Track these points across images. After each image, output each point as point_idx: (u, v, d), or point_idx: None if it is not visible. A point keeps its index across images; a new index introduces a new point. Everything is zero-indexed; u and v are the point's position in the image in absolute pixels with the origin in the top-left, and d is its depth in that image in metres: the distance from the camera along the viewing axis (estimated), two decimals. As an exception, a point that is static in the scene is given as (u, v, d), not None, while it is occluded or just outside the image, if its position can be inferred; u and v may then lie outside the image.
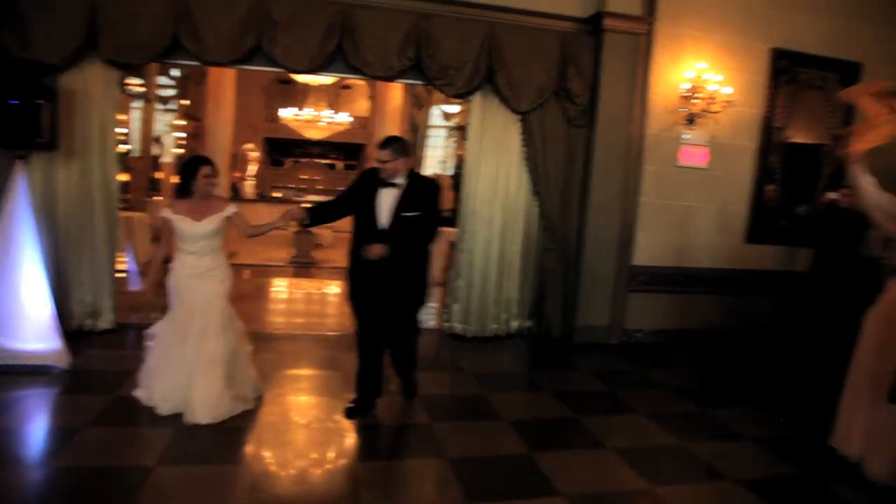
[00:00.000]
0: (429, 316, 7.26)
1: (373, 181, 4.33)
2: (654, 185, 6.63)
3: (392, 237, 4.20)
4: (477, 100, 6.45)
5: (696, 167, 6.72)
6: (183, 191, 4.31)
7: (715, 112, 6.51)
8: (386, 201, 4.27)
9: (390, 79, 6.41)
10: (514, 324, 6.72)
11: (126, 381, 4.76)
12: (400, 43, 6.07)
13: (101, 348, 5.59)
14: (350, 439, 4.06)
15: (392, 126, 8.48)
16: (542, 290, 6.67)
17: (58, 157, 5.66)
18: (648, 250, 6.67)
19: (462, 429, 4.40)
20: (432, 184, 4.59)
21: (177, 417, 4.15)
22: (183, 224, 4.22)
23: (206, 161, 4.38)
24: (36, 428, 4.15)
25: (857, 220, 5.08)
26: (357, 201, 4.37)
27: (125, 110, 11.83)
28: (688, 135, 6.65)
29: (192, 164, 4.33)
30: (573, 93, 6.43)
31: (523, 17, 6.31)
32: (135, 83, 12.44)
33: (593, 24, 6.46)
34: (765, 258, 6.98)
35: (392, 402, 4.72)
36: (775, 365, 5.90)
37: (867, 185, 3.90)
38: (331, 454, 3.87)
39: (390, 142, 4.31)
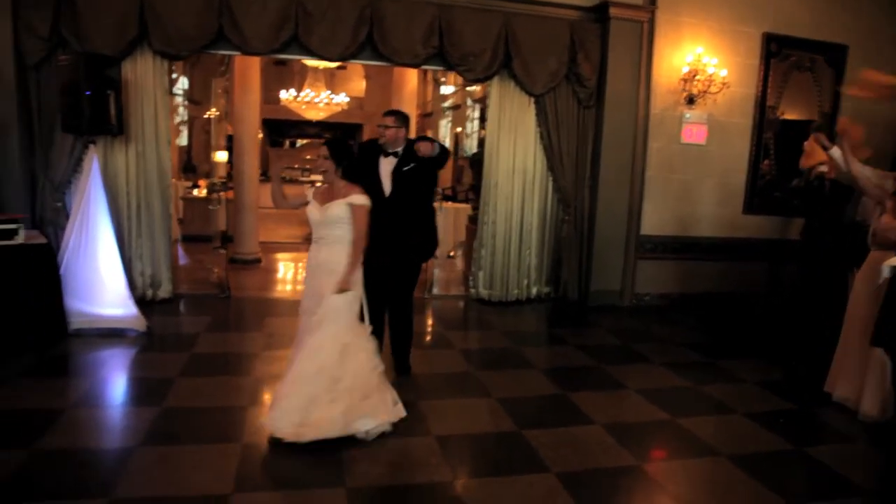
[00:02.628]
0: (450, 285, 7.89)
1: (372, 152, 4.55)
2: (659, 161, 7.25)
3: (398, 202, 4.44)
4: (495, 83, 7.01)
5: (697, 144, 7.33)
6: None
7: (713, 93, 7.10)
8: (385, 169, 4.50)
9: (416, 65, 6.96)
10: (534, 289, 7.35)
11: (196, 341, 5.38)
12: (424, 33, 6.59)
13: (164, 315, 6.15)
14: (409, 383, 4.65)
15: (410, 109, 8.98)
16: (558, 258, 7.30)
17: (117, 142, 6.17)
18: (655, 220, 7.31)
19: (501, 375, 5.02)
20: (423, 137, 4.83)
21: (252, 370, 4.73)
22: (310, 208, 3.97)
23: (324, 143, 4.03)
24: (137, 378, 4.76)
25: (844, 191, 5.79)
26: (362, 173, 4.33)
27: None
28: (688, 114, 7.25)
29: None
30: (583, 76, 7.00)
31: (536, 7, 6.86)
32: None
33: (600, 13, 7.01)
34: (761, 227, 7.65)
35: (434, 354, 5.34)
36: (774, 322, 6.58)
37: (852, 162, 4.61)
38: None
39: (394, 111, 4.65)
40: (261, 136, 17.22)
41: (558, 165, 7.11)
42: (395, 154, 4.52)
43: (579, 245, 7.28)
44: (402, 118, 4.61)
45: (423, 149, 4.37)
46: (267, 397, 4.29)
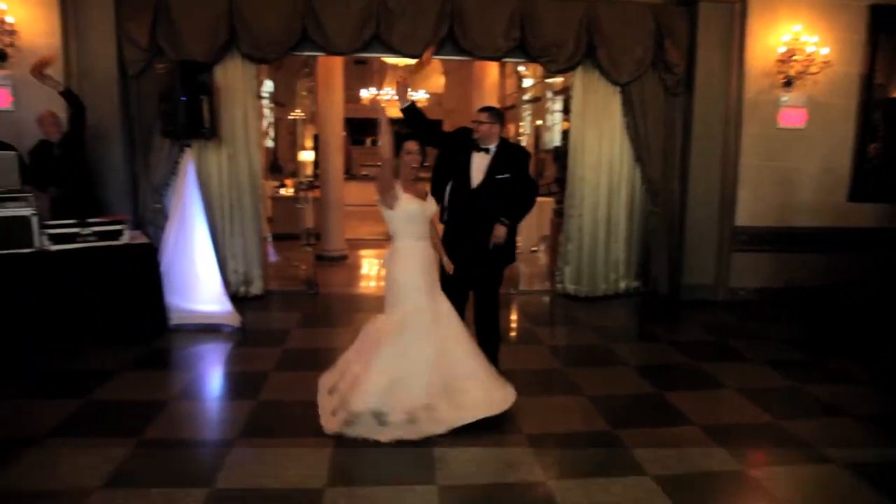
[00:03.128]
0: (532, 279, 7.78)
1: (466, 143, 4.42)
2: (755, 147, 6.86)
3: (482, 198, 4.32)
4: (578, 74, 6.84)
5: (795, 128, 6.91)
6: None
7: (813, 73, 6.66)
8: (478, 165, 4.37)
9: (497, 59, 6.88)
10: (623, 283, 7.14)
11: (288, 337, 5.52)
12: (505, 25, 6.50)
13: (257, 311, 6.35)
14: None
15: (491, 101, 8.91)
16: (647, 251, 7.06)
17: (210, 145, 6.40)
18: (750, 210, 6.93)
19: (592, 372, 4.90)
20: (522, 150, 4.81)
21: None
22: (412, 205, 3.84)
23: (410, 136, 4.00)
24: (233, 371, 4.94)
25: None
26: (451, 160, 4.46)
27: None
28: (786, 97, 6.83)
29: (397, 140, 3.94)
30: (670, 63, 6.72)
31: (619, -6, 6.65)
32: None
33: (688, -4, 6.73)
34: (868, 216, 7.11)
35: (522, 350, 5.26)
36: (882, 319, 6.12)
37: None
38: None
39: (489, 108, 4.54)
40: (343, 134, 17.69)
41: (646, 155, 6.87)
42: (486, 150, 4.38)
43: (669, 237, 7.01)
44: (497, 114, 4.47)
45: (498, 235, 4.28)
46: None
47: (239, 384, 4.65)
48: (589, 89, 6.84)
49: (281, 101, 14.73)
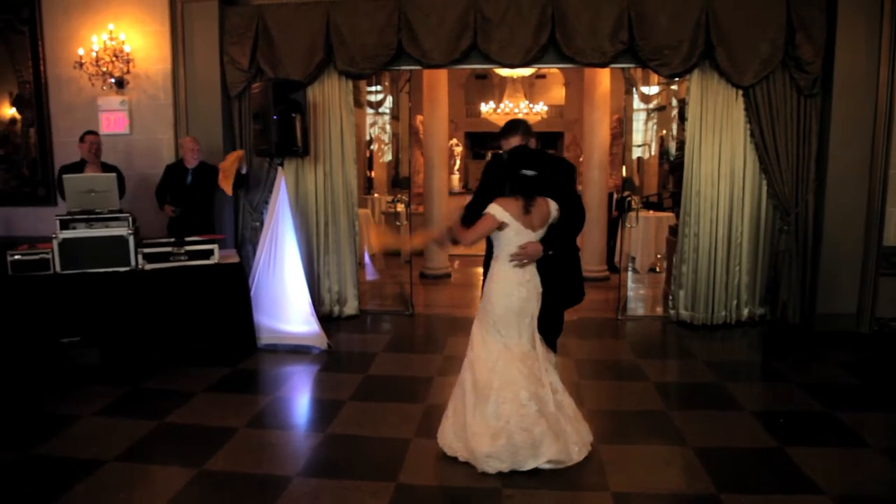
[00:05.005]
0: (642, 304, 7.13)
1: (500, 170, 3.73)
2: (910, 154, 5.86)
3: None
4: (695, 77, 6.18)
5: (965, 131, 5.82)
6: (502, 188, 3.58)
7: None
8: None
9: (603, 65, 6.36)
10: (745, 310, 6.34)
11: (373, 362, 5.31)
12: (612, 27, 6.00)
13: (348, 332, 6.25)
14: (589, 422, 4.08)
15: (603, 114, 8.35)
16: (775, 275, 6.21)
17: (306, 162, 6.40)
18: (904, 229, 5.93)
19: (700, 417, 4.27)
20: (563, 162, 4.09)
21: (426, 396, 4.50)
22: (514, 231, 3.51)
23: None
24: (309, 399, 4.81)
25: None
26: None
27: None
28: (952, 94, 5.78)
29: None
30: (803, 60, 5.90)
31: (744, -15, 5.92)
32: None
33: (827, -17, 5.87)
34: None
35: (623, 387, 4.71)
36: None
37: None
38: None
39: (515, 127, 3.79)
40: (459, 148, 17.65)
41: (773, 167, 6.06)
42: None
43: (802, 259, 6.13)
44: (527, 130, 3.81)
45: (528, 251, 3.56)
46: (432, 428, 4.03)
47: (312, 413, 4.51)
48: (707, 94, 6.16)
49: (400, 117, 14.88)
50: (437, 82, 8.44)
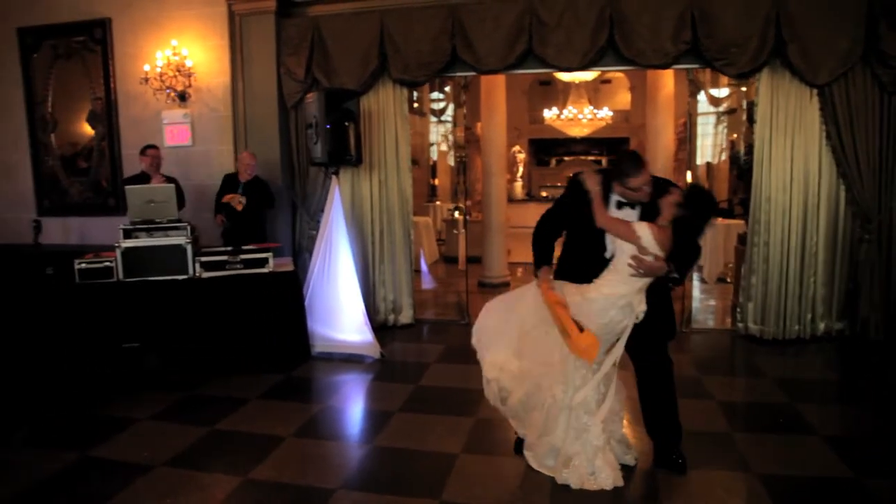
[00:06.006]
0: (712, 315, 6.79)
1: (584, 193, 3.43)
2: None
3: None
4: (764, 77, 5.83)
5: None
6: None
7: None
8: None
9: (665, 66, 6.10)
10: (821, 325, 5.93)
11: (425, 372, 5.24)
12: (674, 26, 5.74)
13: (403, 341, 6.21)
14: (646, 444, 3.86)
15: (667, 118, 8.05)
16: (855, 286, 5.78)
17: (361, 171, 6.41)
18: None
19: (768, 441, 3.97)
20: (669, 185, 3.43)
21: (477, 408, 4.38)
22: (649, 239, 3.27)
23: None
24: (358, 409, 4.78)
25: None
26: (574, 221, 3.52)
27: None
28: None
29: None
30: (887, 54, 5.46)
31: (818, -25, 5.55)
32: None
33: (915, -33, 5.43)
34: None
35: (685, 405, 4.44)
36: None
37: None
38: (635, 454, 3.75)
39: (641, 161, 3.32)
40: (523, 156, 17.46)
41: (853, 171, 5.65)
42: (631, 206, 3.40)
43: (886, 270, 5.68)
44: (646, 164, 3.35)
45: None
46: (481, 442, 3.92)
47: (361, 424, 4.47)
48: (778, 94, 5.80)
49: (468, 124, 14.80)
50: (495, 88, 8.33)
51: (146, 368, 5.15)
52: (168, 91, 6.41)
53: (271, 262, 5.41)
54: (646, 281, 3.29)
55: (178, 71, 6.35)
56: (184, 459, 3.77)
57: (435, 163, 15.27)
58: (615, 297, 3.30)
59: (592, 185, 3.37)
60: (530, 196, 16.65)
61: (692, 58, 5.91)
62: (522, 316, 3.54)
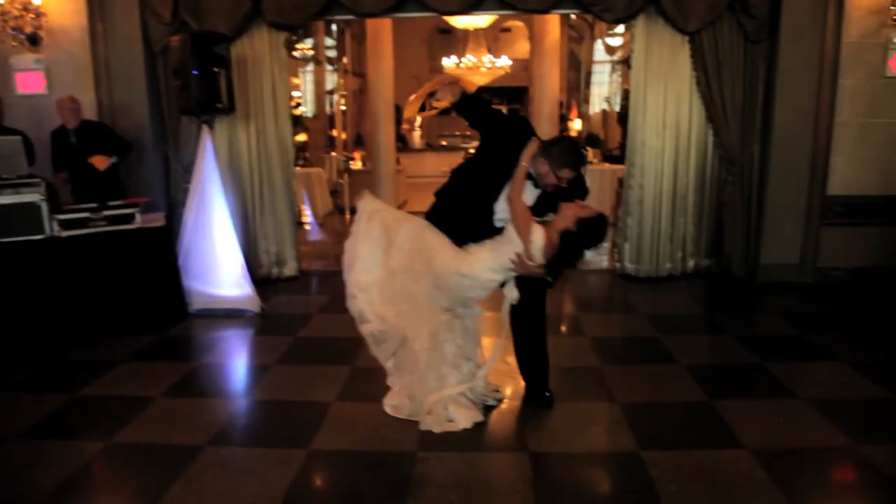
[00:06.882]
0: (599, 256, 7.04)
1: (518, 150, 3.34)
2: (854, 102, 5.72)
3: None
4: (640, 24, 5.96)
5: (910, 75, 5.71)
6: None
7: (937, 6, 5.45)
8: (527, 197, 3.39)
9: (544, 11, 6.12)
10: (691, 262, 6.28)
11: (307, 324, 5.18)
12: (553, -29, 5.74)
13: (287, 293, 6.09)
14: (521, 381, 3.92)
15: (552, 64, 8.11)
16: (720, 226, 6.14)
17: (237, 120, 6.11)
18: (847, 177, 5.82)
19: (635, 373, 4.20)
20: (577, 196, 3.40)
21: (355, 357, 4.37)
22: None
23: None
24: (234, 364, 4.67)
25: None
26: (498, 162, 3.40)
27: (295, 73, 12.62)
28: (899, 38, 5.65)
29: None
30: (750, 4, 5.69)
31: (690, -78, 5.67)
32: (305, 47, 13.19)
33: (773, -83, 5.64)
34: None
35: (559, 342, 4.60)
36: None
37: None
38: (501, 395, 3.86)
39: (582, 162, 3.36)
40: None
41: (720, 116, 5.92)
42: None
43: (747, 210, 6.05)
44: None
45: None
46: (356, 390, 3.93)
47: (235, 379, 4.37)
48: (652, 41, 5.95)
49: (360, 72, 14.41)
50: (382, 34, 8.12)
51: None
52: (14, 33, 5.82)
53: (138, 217, 5.10)
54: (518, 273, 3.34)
55: (25, 9, 5.76)
56: (42, 429, 3.54)
57: (333, 113, 14.86)
58: (485, 280, 3.35)
59: (526, 157, 3.29)
60: (429, 146, 16.59)
61: (572, 3, 5.93)
62: (392, 254, 3.49)
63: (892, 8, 5.55)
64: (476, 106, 3.41)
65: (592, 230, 3.24)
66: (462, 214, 3.48)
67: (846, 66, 5.69)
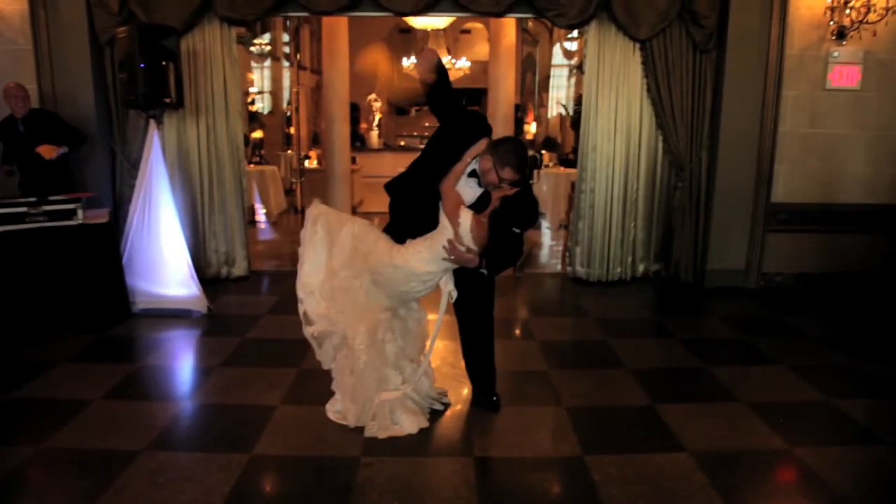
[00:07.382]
0: (553, 260, 7.11)
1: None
2: (797, 112, 5.92)
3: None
4: (592, 30, 6.03)
5: (848, 89, 5.91)
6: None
7: (872, 23, 5.65)
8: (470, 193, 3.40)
9: (499, 14, 6.13)
10: (640, 267, 6.38)
11: (254, 325, 5.08)
12: (507, -25, 5.77)
13: (235, 293, 5.98)
14: (468, 385, 3.91)
15: (508, 67, 8.16)
16: (669, 231, 6.27)
17: (187, 116, 5.97)
18: (790, 185, 6.01)
19: (581, 376, 4.24)
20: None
21: (302, 359, 4.31)
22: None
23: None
24: (177, 366, 4.54)
25: None
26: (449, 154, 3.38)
27: (251, 69, 12.41)
28: (837, 52, 5.84)
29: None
30: (699, 14, 5.82)
31: (641, -69, 5.76)
32: (263, 42, 12.96)
33: (721, -67, 5.78)
34: (934, 190, 6.09)
35: (508, 346, 4.62)
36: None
37: None
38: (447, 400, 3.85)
39: (526, 163, 3.33)
40: (379, 104, 17.15)
41: (669, 122, 6.03)
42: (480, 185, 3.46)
43: (694, 216, 6.18)
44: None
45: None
46: (302, 394, 3.87)
47: (178, 381, 4.26)
48: (605, 47, 6.02)
49: (317, 69, 14.22)
50: (337, 32, 8.04)
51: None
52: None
53: (80, 213, 4.94)
54: (454, 265, 3.33)
55: (-41, -8, 5.52)
56: (-33, 433, 3.41)
57: (290, 110, 14.64)
58: (421, 273, 3.33)
59: (471, 153, 3.29)
60: (387, 145, 16.47)
61: (525, 7, 5.95)
62: (335, 254, 3.47)
63: (830, 24, 5.75)
64: (447, 89, 3.39)
65: (518, 204, 3.27)
66: (413, 207, 3.48)
67: (789, 78, 5.87)
